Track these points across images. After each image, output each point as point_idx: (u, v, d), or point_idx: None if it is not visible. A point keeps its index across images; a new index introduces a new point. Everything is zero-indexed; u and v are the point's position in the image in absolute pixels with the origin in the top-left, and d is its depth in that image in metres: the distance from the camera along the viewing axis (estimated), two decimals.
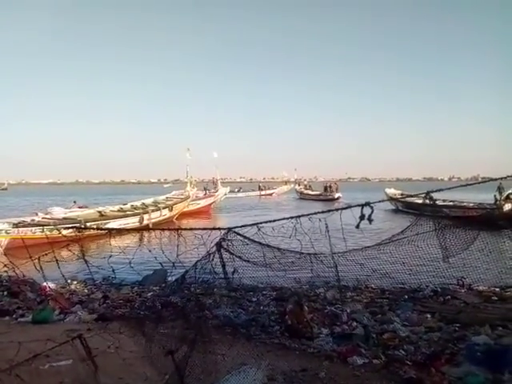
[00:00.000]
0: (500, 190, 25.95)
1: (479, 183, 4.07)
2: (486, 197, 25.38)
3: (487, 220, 6.39)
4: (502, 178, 4.14)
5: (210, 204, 35.42)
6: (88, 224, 17.83)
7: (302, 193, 56.59)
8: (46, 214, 21.21)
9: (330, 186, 51.09)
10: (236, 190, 70.03)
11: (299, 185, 61.52)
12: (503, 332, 6.16)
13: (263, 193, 65.07)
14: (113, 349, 4.79)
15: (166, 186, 32.95)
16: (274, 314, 7.15)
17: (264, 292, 8.75)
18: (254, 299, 8.37)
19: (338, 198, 44.68)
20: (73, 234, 5.35)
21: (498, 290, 8.64)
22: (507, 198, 23.64)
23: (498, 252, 5.90)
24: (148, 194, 31.01)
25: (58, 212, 22.23)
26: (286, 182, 64.22)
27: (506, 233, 6.76)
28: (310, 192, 55.72)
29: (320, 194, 51.15)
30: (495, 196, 24.98)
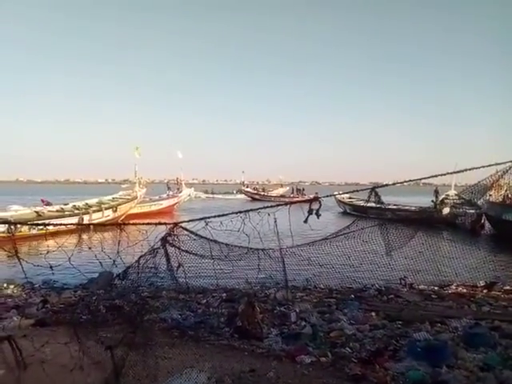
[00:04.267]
0: (436, 194, 27.64)
1: (412, 181, 4.22)
2: (426, 200, 26.87)
3: (427, 221, 6.71)
4: (428, 178, 4.29)
5: (173, 205, 34.18)
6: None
7: (263, 195, 55.32)
8: None
9: (303, 189, 52.52)
10: (235, 191, 64.49)
11: (247, 187, 60.84)
12: (441, 328, 6.52)
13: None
14: (50, 355, 4.49)
15: (124, 186, 31.38)
16: (224, 316, 7.08)
17: (214, 294, 8.64)
18: (204, 301, 8.24)
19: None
20: (3, 234, 4.88)
21: (437, 288, 9.13)
22: (442, 202, 25.15)
23: (436, 252, 6.21)
24: (109, 194, 29.50)
25: (17, 210, 20.86)
26: (281, 185, 63.40)
27: (444, 235, 7.18)
28: (275, 193, 55.11)
29: (290, 196, 50.85)
30: (433, 201, 26.52)
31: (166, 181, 41.24)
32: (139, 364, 3.25)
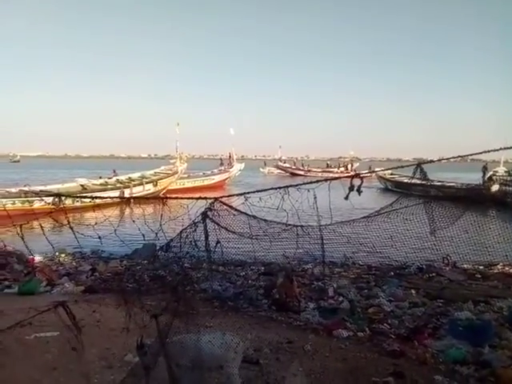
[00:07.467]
0: (485, 170, 26.21)
1: (461, 157, 3.95)
2: (472, 177, 25.65)
3: (475, 199, 6.42)
4: (478, 154, 3.99)
5: (225, 180, 35.67)
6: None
7: (307, 170, 52.83)
8: (25, 186, 20.68)
9: (352, 165, 50.99)
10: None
11: (285, 162, 58.82)
12: (485, 308, 6.32)
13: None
14: (99, 319, 4.79)
15: (171, 161, 32.29)
16: (262, 288, 7.22)
17: (252, 267, 8.80)
18: (243, 274, 8.43)
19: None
20: (47, 206, 5.10)
21: (481, 268, 8.82)
22: (490, 179, 23.90)
23: (483, 231, 5.95)
24: (152, 169, 30.52)
25: (83, 182, 23.16)
26: (351, 161, 61.42)
27: (492, 213, 6.85)
28: (315, 168, 53.37)
29: (337, 172, 47.79)
30: (483, 177, 25.22)
31: (205, 156, 41.73)
32: (182, 331, 3.40)
